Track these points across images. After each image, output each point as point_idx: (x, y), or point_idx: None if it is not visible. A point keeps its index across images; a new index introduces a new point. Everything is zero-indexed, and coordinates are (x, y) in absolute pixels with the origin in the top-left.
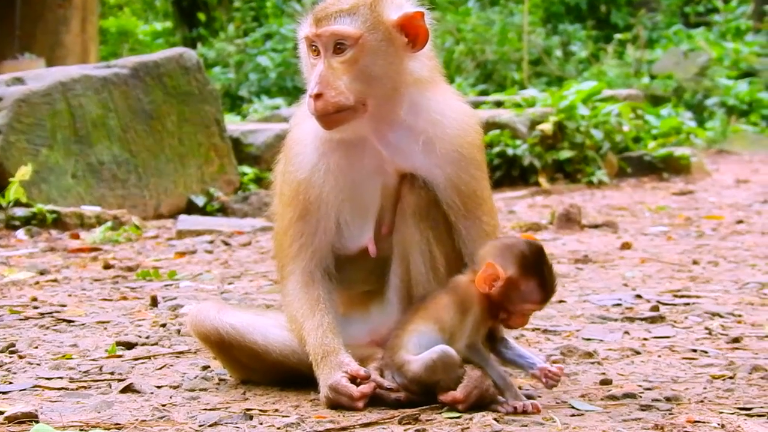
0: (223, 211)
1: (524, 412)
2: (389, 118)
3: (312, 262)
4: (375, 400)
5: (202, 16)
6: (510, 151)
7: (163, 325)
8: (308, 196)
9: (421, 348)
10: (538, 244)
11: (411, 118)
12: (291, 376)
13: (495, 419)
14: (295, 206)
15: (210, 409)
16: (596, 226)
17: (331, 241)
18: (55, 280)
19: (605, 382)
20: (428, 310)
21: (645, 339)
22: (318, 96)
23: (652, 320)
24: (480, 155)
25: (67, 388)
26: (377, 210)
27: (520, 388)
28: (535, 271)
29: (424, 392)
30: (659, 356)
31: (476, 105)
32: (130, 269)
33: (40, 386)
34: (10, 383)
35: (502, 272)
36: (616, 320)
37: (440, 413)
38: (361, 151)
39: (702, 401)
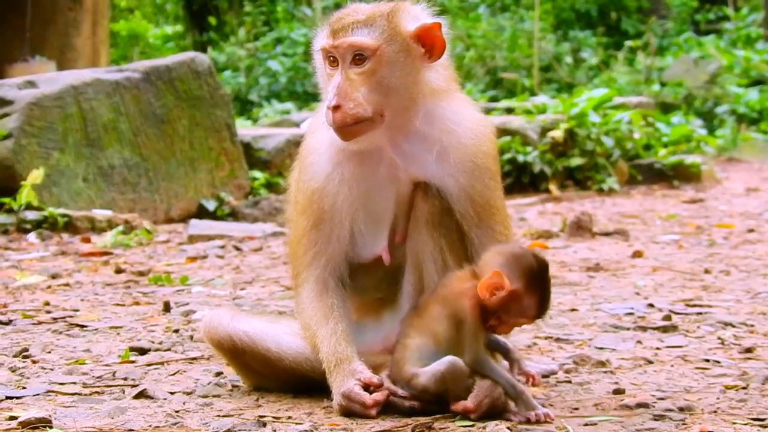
0: (234, 215)
1: (537, 422)
2: (405, 128)
3: (326, 270)
4: (389, 408)
5: (212, 20)
6: (520, 158)
7: (176, 331)
8: (322, 205)
9: (423, 360)
10: (544, 258)
11: (426, 128)
12: (304, 383)
13: (508, 428)
14: (310, 215)
15: (223, 416)
16: (607, 234)
17: (345, 249)
18: (67, 284)
19: (618, 392)
20: (422, 321)
21: (657, 348)
22: (336, 108)
23: (664, 329)
24: (494, 165)
25: (80, 394)
26: (391, 219)
27: (533, 396)
28: (540, 288)
29: (435, 401)
30: (672, 366)
31: (487, 111)
32: (141, 274)
33: (53, 391)
34: (24, 388)
35: (507, 284)
36: (628, 329)
37: (453, 422)
38: (376, 161)
39: (715, 411)
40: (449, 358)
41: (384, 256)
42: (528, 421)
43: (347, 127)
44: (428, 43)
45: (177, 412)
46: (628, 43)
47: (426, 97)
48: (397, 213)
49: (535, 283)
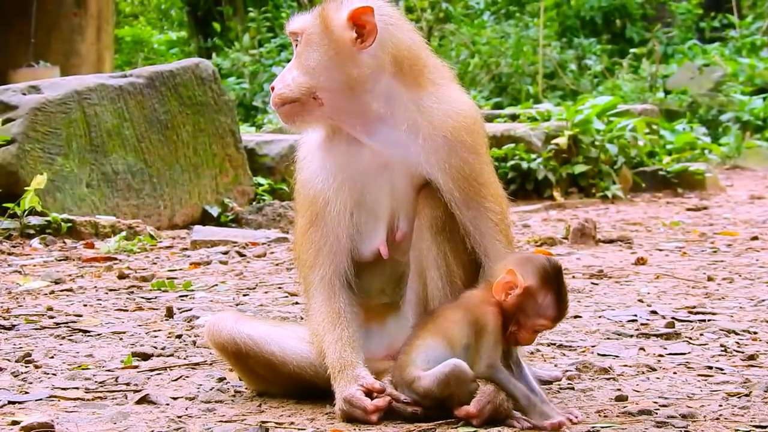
0: (238, 221)
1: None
2: (367, 113)
3: (329, 269)
4: (392, 414)
5: (217, 26)
6: (524, 165)
7: (179, 337)
8: (317, 202)
9: (429, 363)
10: (556, 260)
11: (393, 111)
12: (307, 388)
13: None
14: (307, 214)
15: (226, 421)
16: (611, 241)
17: (346, 246)
18: (70, 290)
19: (621, 399)
20: (438, 325)
21: (660, 355)
22: (272, 89)
23: (667, 336)
24: (473, 139)
25: (83, 399)
26: (388, 212)
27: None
28: (554, 284)
29: (437, 407)
30: (675, 373)
31: (491, 118)
32: (145, 279)
33: (56, 396)
34: (26, 393)
35: (521, 281)
36: (631, 336)
37: (456, 428)
38: (357, 151)
39: (717, 418)
40: (453, 361)
41: (382, 250)
42: (532, 428)
43: (279, 109)
44: (360, 27)
45: (179, 417)
46: (633, 50)
47: (380, 81)
48: (394, 206)
49: (548, 279)
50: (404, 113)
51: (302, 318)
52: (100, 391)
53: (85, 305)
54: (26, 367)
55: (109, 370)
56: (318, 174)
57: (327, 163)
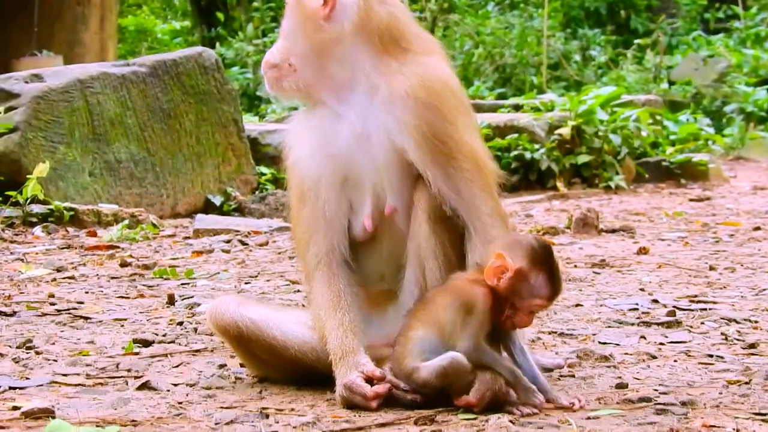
0: (240, 211)
1: (541, 410)
2: (335, 81)
3: (324, 248)
4: (392, 401)
5: (220, 16)
6: (528, 155)
7: (180, 323)
8: (305, 181)
9: (425, 354)
10: (546, 241)
11: (358, 77)
12: (308, 373)
13: (511, 421)
14: (297, 195)
15: (226, 408)
16: (613, 231)
17: (338, 223)
18: (72, 277)
19: (621, 386)
20: (427, 312)
21: (661, 344)
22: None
23: (668, 325)
24: (441, 102)
25: (83, 385)
26: (373, 185)
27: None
28: (544, 264)
29: (436, 395)
30: (675, 361)
31: (494, 108)
32: (147, 267)
33: (56, 382)
34: (27, 379)
35: (511, 263)
36: (632, 324)
37: (456, 414)
38: (336, 125)
39: (717, 406)
40: (452, 354)
41: (366, 222)
42: (532, 414)
43: (265, 76)
44: None
45: (180, 403)
46: (637, 41)
47: (349, 51)
48: (377, 178)
49: (538, 259)
50: (366, 79)
51: (304, 305)
52: (101, 378)
53: (86, 292)
54: (27, 353)
55: (110, 357)
56: (303, 154)
57: (311, 142)
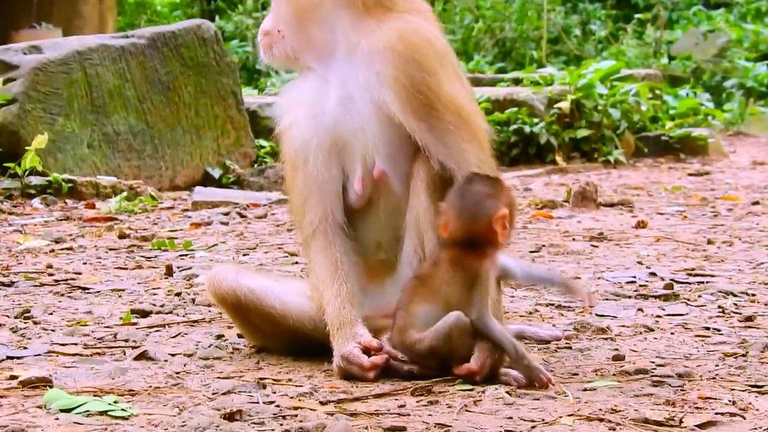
0: (239, 183)
1: (537, 386)
2: (318, 44)
3: (319, 215)
4: (389, 372)
5: None
6: (527, 129)
7: (178, 294)
8: (293, 146)
9: (429, 326)
10: (465, 176)
11: (339, 38)
12: (306, 343)
13: (507, 392)
14: (290, 163)
15: (223, 378)
16: (612, 205)
17: (331, 189)
18: (70, 249)
19: (618, 358)
20: (429, 290)
21: (658, 316)
22: None
23: (665, 298)
24: (421, 56)
25: (81, 355)
26: (361, 148)
27: None
28: (458, 191)
29: (437, 366)
30: (672, 333)
31: (494, 82)
32: (145, 239)
33: (54, 352)
34: (25, 348)
35: (444, 207)
36: (629, 297)
37: (453, 385)
38: (324, 90)
39: (714, 378)
40: (454, 313)
41: (356, 186)
42: (528, 386)
43: (260, 43)
44: None
45: (177, 373)
46: (638, 16)
47: (332, 17)
48: (365, 141)
49: (455, 191)
50: (346, 39)
51: (302, 276)
52: (99, 347)
53: (84, 263)
54: (25, 322)
55: (107, 327)
56: (293, 121)
57: (299, 109)
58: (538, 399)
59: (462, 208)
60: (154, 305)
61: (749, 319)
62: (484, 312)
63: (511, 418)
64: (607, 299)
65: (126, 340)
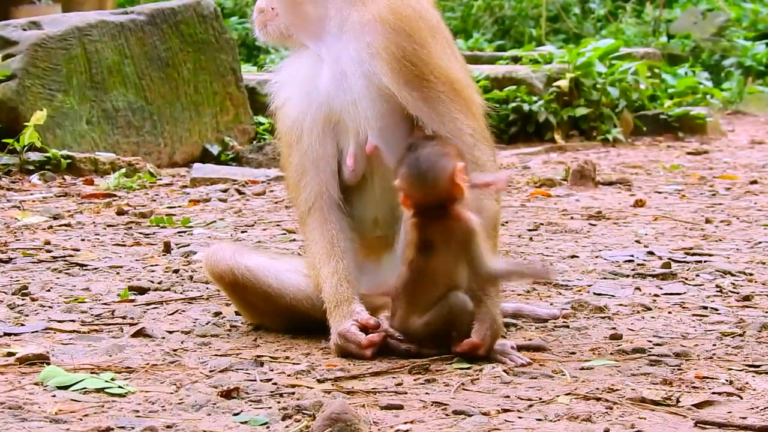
0: (238, 160)
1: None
2: (311, 21)
3: (315, 192)
4: (386, 350)
5: None
6: (526, 107)
7: (176, 271)
8: (291, 125)
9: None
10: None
11: (330, 14)
12: (303, 321)
13: (505, 371)
14: (286, 140)
15: (221, 355)
16: (610, 184)
17: (326, 165)
18: (68, 225)
19: (615, 337)
20: (427, 269)
21: (656, 295)
22: None
23: (663, 277)
24: (411, 27)
25: (78, 331)
26: (354, 123)
27: (530, 339)
28: (409, 162)
29: (436, 345)
30: (670, 312)
31: (493, 60)
32: (143, 216)
33: (51, 329)
34: (22, 325)
35: (400, 183)
36: (627, 276)
37: (450, 364)
38: (317, 66)
39: (711, 357)
40: (453, 294)
41: (349, 161)
42: (528, 364)
43: (255, 21)
44: None
45: (175, 350)
46: None
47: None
48: (357, 116)
49: (402, 161)
50: (338, 13)
51: (300, 254)
52: (96, 324)
53: (82, 240)
54: (22, 299)
55: (105, 304)
56: (287, 98)
57: (294, 86)
58: (536, 378)
59: (420, 175)
60: (152, 282)
61: (747, 298)
62: (488, 263)
63: (508, 396)
64: (604, 278)
65: (123, 317)
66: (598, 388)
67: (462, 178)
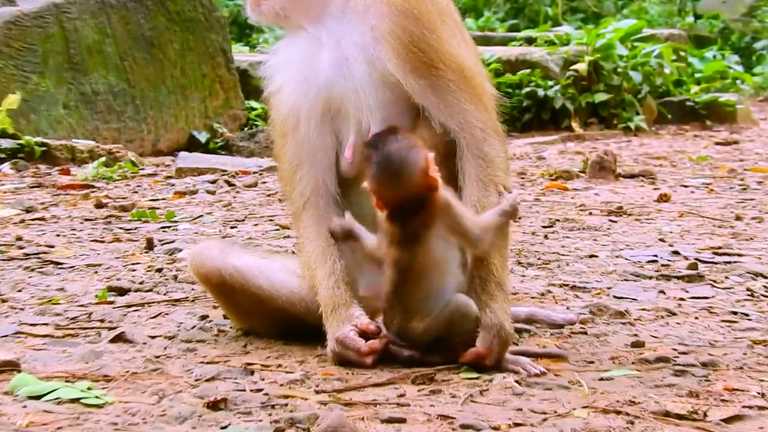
0: (228, 148)
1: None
2: (312, 3)
3: (310, 186)
4: (388, 358)
5: None
6: (541, 92)
7: (159, 270)
8: (287, 113)
9: (430, 312)
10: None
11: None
12: (296, 325)
13: (517, 381)
14: (280, 129)
15: (207, 363)
16: (632, 176)
17: (324, 157)
18: (42, 219)
19: (637, 345)
20: (417, 269)
21: (681, 299)
22: None
23: (689, 279)
24: (419, 9)
25: (52, 336)
26: (355, 111)
27: (544, 347)
28: (377, 161)
29: (437, 352)
30: (696, 318)
31: (506, 41)
32: (124, 209)
33: (23, 333)
34: None
35: (371, 184)
36: (650, 278)
37: (457, 373)
38: (316, 52)
39: (741, 368)
40: (456, 296)
41: (347, 152)
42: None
43: (248, 1)
44: None
45: (157, 357)
46: None
47: None
48: (359, 103)
49: (375, 164)
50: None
51: (293, 252)
52: (72, 328)
53: (57, 235)
54: None
55: (81, 306)
56: (283, 83)
57: (290, 71)
58: (550, 389)
59: (393, 173)
60: (133, 282)
61: None
62: (476, 223)
63: (520, 409)
64: (626, 280)
65: (101, 321)
66: (618, 401)
67: (434, 168)
